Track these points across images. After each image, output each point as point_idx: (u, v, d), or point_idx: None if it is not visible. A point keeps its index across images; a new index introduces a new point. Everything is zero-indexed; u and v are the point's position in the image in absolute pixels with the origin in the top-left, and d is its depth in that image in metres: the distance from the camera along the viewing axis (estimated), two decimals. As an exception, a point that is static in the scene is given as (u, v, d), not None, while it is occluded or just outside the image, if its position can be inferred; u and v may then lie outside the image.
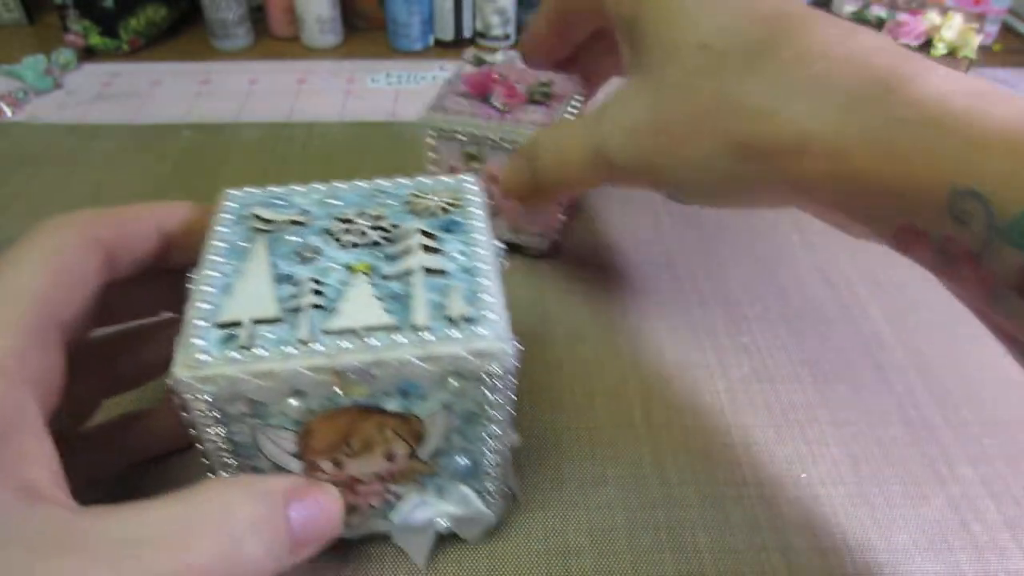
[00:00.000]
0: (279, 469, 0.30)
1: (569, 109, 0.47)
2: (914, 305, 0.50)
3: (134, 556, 0.21)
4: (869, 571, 0.36)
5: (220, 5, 0.79)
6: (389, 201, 0.33)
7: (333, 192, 0.33)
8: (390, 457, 0.31)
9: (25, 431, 0.24)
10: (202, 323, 0.27)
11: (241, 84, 0.76)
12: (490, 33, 0.83)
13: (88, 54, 0.79)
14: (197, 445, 0.29)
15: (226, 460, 0.29)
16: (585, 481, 0.39)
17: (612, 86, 0.43)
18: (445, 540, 0.36)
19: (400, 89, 0.76)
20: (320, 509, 0.28)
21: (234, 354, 0.26)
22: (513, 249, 0.49)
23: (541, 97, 0.47)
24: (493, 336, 0.27)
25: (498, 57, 0.51)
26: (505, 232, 0.49)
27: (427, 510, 0.33)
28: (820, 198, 0.32)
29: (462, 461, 0.32)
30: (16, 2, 0.86)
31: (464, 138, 0.46)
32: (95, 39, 0.79)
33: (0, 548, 0.20)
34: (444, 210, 0.32)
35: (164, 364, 0.27)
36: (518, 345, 0.28)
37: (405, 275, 0.29)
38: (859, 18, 0.52)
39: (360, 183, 0.34)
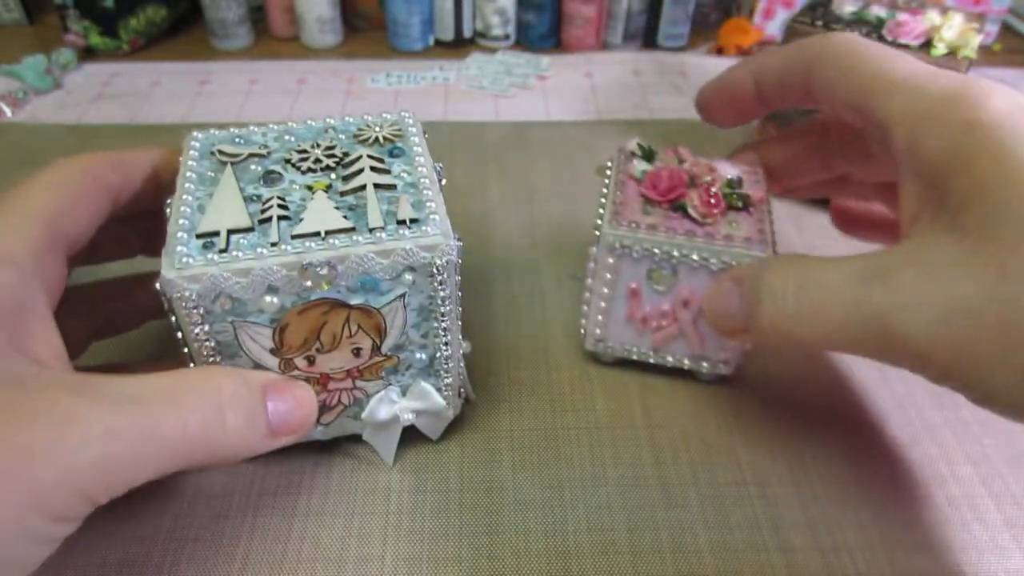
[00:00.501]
0: (258, 367, 0.34)
1: (770, 218, 0.39)
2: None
3: (133, 404, 0.25)
4: (870, 571, 0.36)
5: (220, 5, 0.79)
6: (339, 135, 0.37)
7: (287, 130, 0.37)
8: (357, 352, 0.35)
9: (36, 316, 0.28)
10: (183, 234, 0.31)
11: (241, 84, 0.76)
12: (490, 33, 0.83)
13: (88, 54, 0.79)
14: (183, 348, 0.32)
15: (210, 359, 0.33)
16: (585, 481, 0.39)
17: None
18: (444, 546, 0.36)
19: (400, 89, 0.76)
20: (295, 403, 0.31)
21: (214, 256, 0.30)
22: (685, 374, 0.43)
23: (739, 202, 0.39)
24: (438, 233, 0.31)
25: (687, 158, 0.42)
26: (684, 359, 0.42)
27: (392, 406, 0.37)
28: None
29: (420, 356, 0.36)
30: (16, 2, 0.86)
31: (659, 257, 0.38)
32: (95, 39, 0.79)
33: (21, 395, 0.24)
34: (388, 139, 0.36)
35: (154, 311, 0.30)
36: (458, 241, 0.32)
37: (358, 190, 0.33)
38: (859, 18, 0.52)
39: (311, 122, 0.38)
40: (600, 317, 0.42)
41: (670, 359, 0.42)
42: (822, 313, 0.30)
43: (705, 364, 0.42)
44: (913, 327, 0.28)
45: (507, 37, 0.84)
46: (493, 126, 0.69)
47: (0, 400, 0.24)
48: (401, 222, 0.32)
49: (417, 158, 0.35)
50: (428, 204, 0.33)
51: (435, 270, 0.32)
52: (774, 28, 0.85)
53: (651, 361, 0.43)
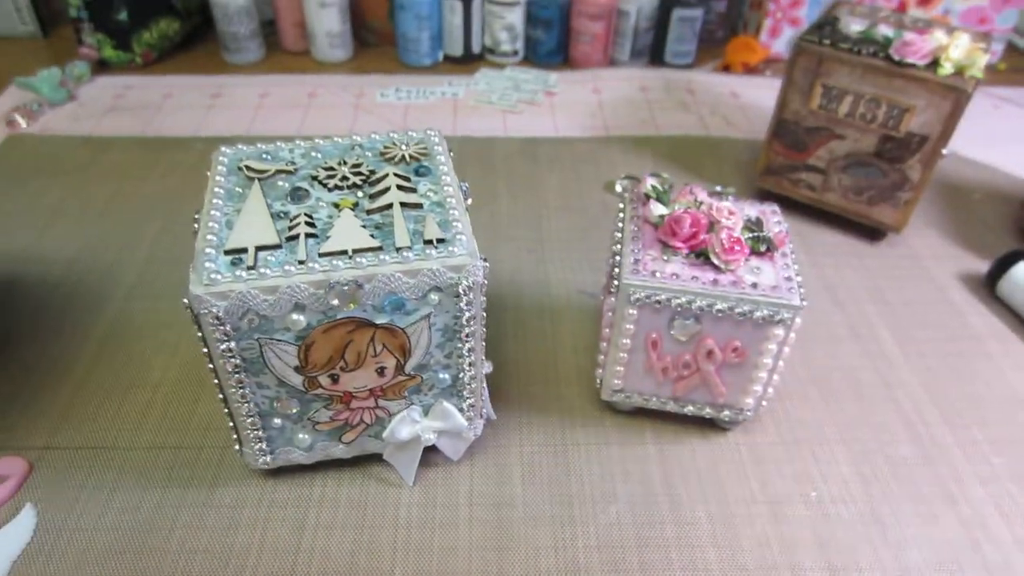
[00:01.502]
0: (283, 385, 0.34)
1: (791, 264, 0.39)
2: (923, 323, 0.51)
3: None
4: (879, 590, 0.36)
5: (232, 19, 0.80)
6: (365, 153, 0.38)
7: (314, 146, 0.38)
8: (381, 371, 0.35)
9: None
10: (211, 251, 0.31)
11: (252, 97, 0.77)
12: (499, 49, 0.84)
13: (102, 67, 0.80)
14: (209, 364, 0.33)
15: (235, 376, 0.33)
16: (595, 498, 0.39)
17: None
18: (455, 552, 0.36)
19: (409, 104, 0.77)
20: None
21: (242, 273, 0.30)
22: (705, 423, 0.43)
23: (762, 246, 0.38)
24: (465, 253, 0.32)
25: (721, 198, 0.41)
26: (705, 407, 0.41)
27: (414, 426, 0.37)
28: None
29: (443, 376, 0.36)
30: (32, 15, 0.86)
31: (682, 307, 0.38)
32: (109, 52, 0.79)
33: None
34: (414, 158, 0.37)
35: None
36: (485, 263, 0.32)
37: (385, 209, 0.34)
38: (867, 37, 0.52)
39: (338, 139, 0.38)
40: (619, 368, 0.41)
41: (690, 408, 0.42)
42: None
43: (727, 412, 0.41)
44: None
45: (515, 53, 0.85)
46: (502, 141, 0.70)
47: None
48: (428, 242, 0.32)
49: (443, 177, 0.36)
50: (455, 224, 0.33)
51: (461, 291, 0.32)
52: (780, 46, 0.86)
53: (669, 410, 0.42)
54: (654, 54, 0.85)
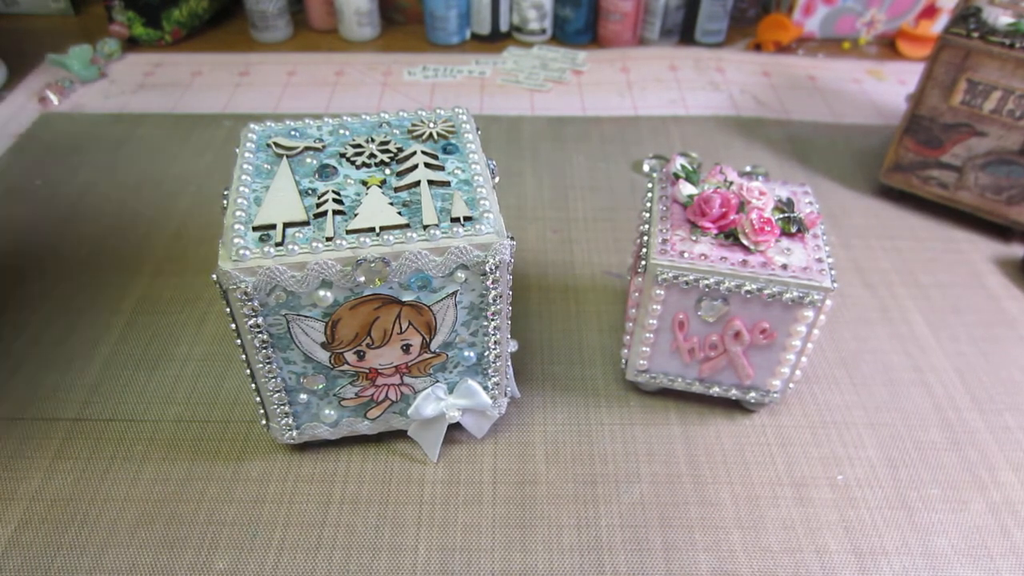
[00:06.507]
0: (309, 361, 0.34)
1: (823, 246, 0.37)
2: (955, 307, 0.50)
3: None
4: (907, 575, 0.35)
5: (260, -3, 0.80)
6: (393, 131, 0.37)
7: (343, 124, 0.38)
8: (407, 348, 0.35)
9: None
10: (240, 227, 0.31)
11: (280, 75, 0.77)
12: (527, 28, 0.83)
13: (132, 44, 0.81)
14: (236, 340, 0.33)
15: (262, 351, 0.33)
16: (619, 478, 0.39)
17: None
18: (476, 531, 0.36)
19: (436, 82, 0.76)
20: None
21: (270, 250, 0.30)
22: (730, 404, 0.43)
23: (793, 227, 0.38)
24: (492, 232, 0.32)
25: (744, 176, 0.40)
26: (731, 389, 0.41)
27: (438, 403, 0.38)
28: None
29: (468, 354, 0.36)
30: (62, -7, 0.87)
31: (710, 287, 0.36)
32: (139, 29, 0.80)
33: None
34: (442, 135, 0.37)
35: None
36: (512, 241, 0.32)
37: (413, 186, 0.34)
38: (1017, 30, 0.50)
39: (366, 116, 0.38)
40: (644, 348, 0.40)
41: (716, 389, 0.41)
42: None
43: (753, 394, 0.41)
44: None
45: (543, 32, 0.84)
46: (529, 120, 0.69)
47: None
48: (455, 220, 0.32)
49: (471, 155, 0.35)
50: (482, 202, 0.33)
51: (488, 269, 0.32)
52: (814, 24, 0.84)
53: (695, 391, 0.42)
54: (684, 33, 0.84)
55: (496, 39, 0.84)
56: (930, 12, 0.82)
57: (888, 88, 0.76)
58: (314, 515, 0.37)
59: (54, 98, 0.70)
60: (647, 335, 0.39)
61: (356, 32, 0.84)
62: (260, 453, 0.40)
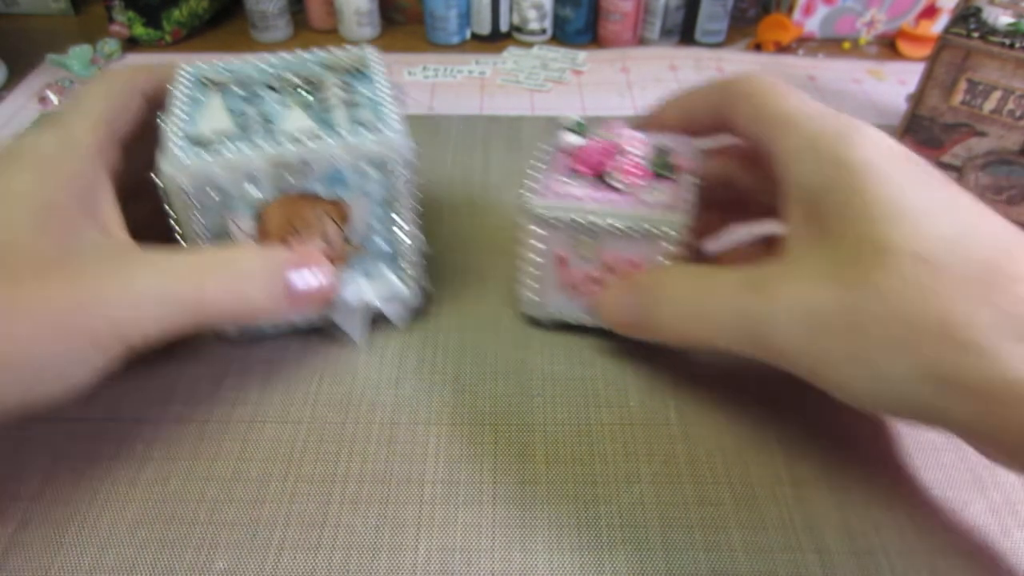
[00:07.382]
0: None
1: (691, 191, 0.40)
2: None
3: (164, 271, 0.33)
4: None
5: (260, -3, 0.80)
6: (311, 65, 0.44)
7: (265, 60, 0.44)
8: (327, 239, 0.40)
9: (104, 195, 0.35)
10: (177, 138, 0.36)
11: (280, 76, 0.77)
12: (527, 28, 0.83)
13: (132, 44, 0.81)
14: (177, 235, 0.38)
15: (203, 245, 0.38)
16: (619, 477, 0.39)
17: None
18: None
19: (436, 82, 0.76)
20: (311, 275, 0.37)
21: (204, 154, 0.36)
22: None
23: (664, 171, 0.41)
24: (396, 135, 0.38)
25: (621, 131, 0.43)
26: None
27: (359, 290, 0.43)
28: (1003, 444, 0.29)
29: (383, 244, 0.42)
30: (63, -7, 0.87)
31: (580, 226, 0.40)
32: (139, 29, 0.80)
33: (94, 260, 0.32)
34: (355, 69, 0.44)
35: None
36: (414, 144, 0.38)
37: (328, 106, 0.40)
38: (1017, 30, 0.50)
39: (285, 55, 0.44)
40: (534, 284, 0.44)
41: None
42: (711, 316, 0.35)
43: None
44: (781, 332, 0.32)
45: (544, 32, 0.84)
46: (529, 120, 0.69)
47: (78, 258, 0.32)
48: (364, 126, 0.38)
49: (379, 83, 0.42)
50: (388, 114, 0.39)
51: (391, 165, 0.38)
52: (814, 24, 0.84)
53: (587, 324, 0.45)
54: (684, 33, 0.84)
55: (496, 39, 0.84)
56: (930, 12, 0.82)
57: (888, 88, 0.76)
58: (314, 515, 0.37)
59: (54, 98, 0.70)
60: (533, 271, 0.43)
61: (356, 32, 0.84)
62: (260, 453, 0.40)
